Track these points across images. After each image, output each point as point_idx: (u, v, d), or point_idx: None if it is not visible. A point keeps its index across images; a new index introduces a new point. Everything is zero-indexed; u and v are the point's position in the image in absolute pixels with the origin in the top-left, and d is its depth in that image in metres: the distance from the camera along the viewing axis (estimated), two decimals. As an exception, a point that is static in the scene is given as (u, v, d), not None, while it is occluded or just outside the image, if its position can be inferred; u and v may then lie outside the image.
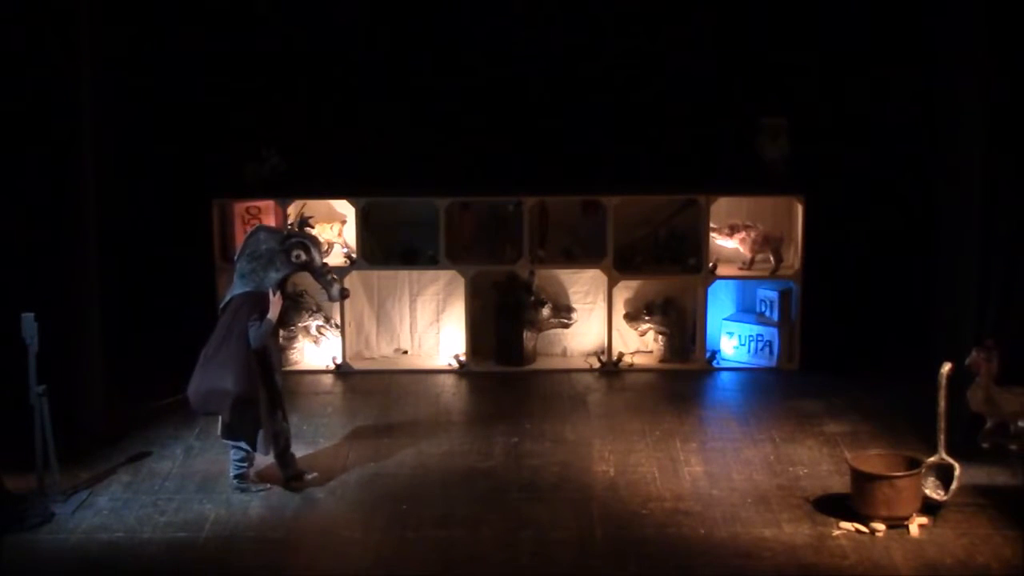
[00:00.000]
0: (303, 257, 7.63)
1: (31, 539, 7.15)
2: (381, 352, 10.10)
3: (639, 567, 6.83)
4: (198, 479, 7.91)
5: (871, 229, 9.84)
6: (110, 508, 7.52)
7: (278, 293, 7.63)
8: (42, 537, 7.18)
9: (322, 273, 7.78)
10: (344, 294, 7.88)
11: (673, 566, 6.85)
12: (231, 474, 7.74)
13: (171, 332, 9.75)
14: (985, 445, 8.10)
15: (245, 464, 7.72)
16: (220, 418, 7.64)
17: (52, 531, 7.24)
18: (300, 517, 7.48)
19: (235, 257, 7.86)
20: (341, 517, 7.46)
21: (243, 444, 7.66)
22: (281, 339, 9.73)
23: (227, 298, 7.74)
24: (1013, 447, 8.08)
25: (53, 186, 8.20)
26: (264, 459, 7.80)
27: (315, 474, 7.80)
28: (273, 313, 7.58)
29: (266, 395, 7.63)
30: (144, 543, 7.11)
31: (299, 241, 7.63)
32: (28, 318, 7.44)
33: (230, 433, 7.65)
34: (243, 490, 7.68)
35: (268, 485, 7.75)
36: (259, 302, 7.55)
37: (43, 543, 7.12)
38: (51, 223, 8.21)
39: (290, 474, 7.78)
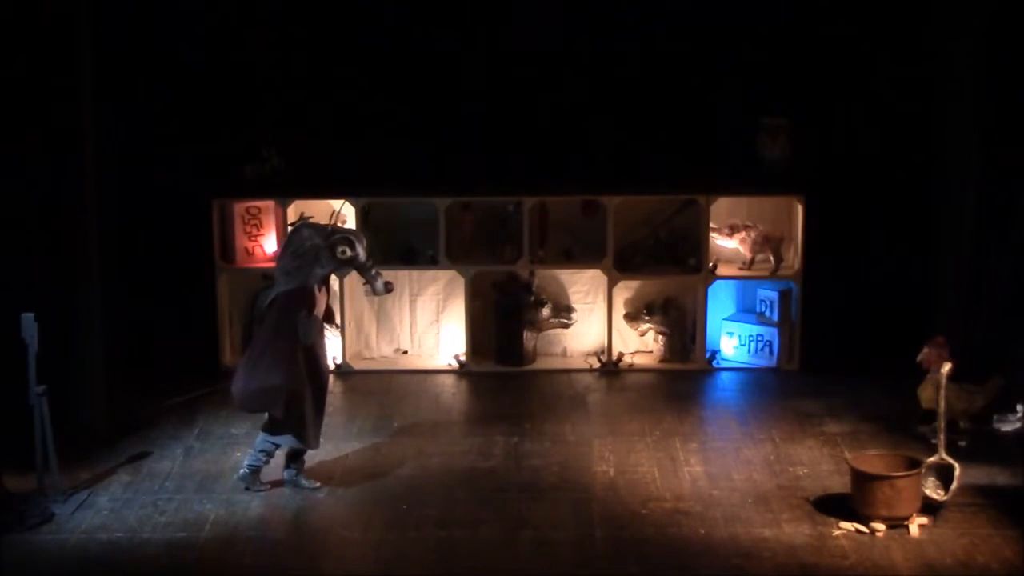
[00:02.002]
0: (348, 253, 7.60)
1: (31, 539, 7.15)
2: (381, 352, 10.11)
3: (639, 567, 6.83)
4: (198, 479, 7.91)
5: (871, 229, 9.83)
6: (110, 508, 7.52)
7: (323, 289, 7.63)
8: (42, 537, 7.18)
9: (367, 268, 7.75)
10: (388, 288, 7.84)
11: (673, 566, 6.85)
12: (245, 462, 7.72)
13: (171, 332, 9.77)
14: (934, 441, 8.17)
15: (264, 460, 7.71)
16: (267, 414, 7.66)
17: (52, 531, 7.25)
18: (300, 517, 7.48)
19: (278, 255, 7.86)
20: (341, 517, 7.47)
21: (277, 440, 7.64)
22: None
23: (270, 296, 7.74)
24: (962, 443, 8.17)
25: (53, 186, 8.20)
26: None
27: (319, 484, 7.80)
28: (319, 309, 7.58)
29: (313, 391, 7.63)
30: (144, 543, 7.11)
31: (344, 237, 7.61)
32: (28, 318, 7.44)
33: (276, 429, 7.64)
34: (247, 486, 7.67)
35: (268, 485, 7.75)
36: (305, 299, 7.54)
37: (43, 543, 7.12)
38: (51, 223, 8.21)
39: (293, 475, 7.79)
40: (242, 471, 7.73)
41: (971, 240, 8.61)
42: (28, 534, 7.19)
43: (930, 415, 8.06)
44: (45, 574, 6.86)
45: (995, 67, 8.27)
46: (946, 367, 7.47)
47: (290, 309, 7.53)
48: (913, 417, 8.37)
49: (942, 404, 7.43)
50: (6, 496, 7.48)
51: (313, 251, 7.56)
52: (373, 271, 7.78)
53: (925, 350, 8.15)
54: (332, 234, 7.61)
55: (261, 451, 7.72)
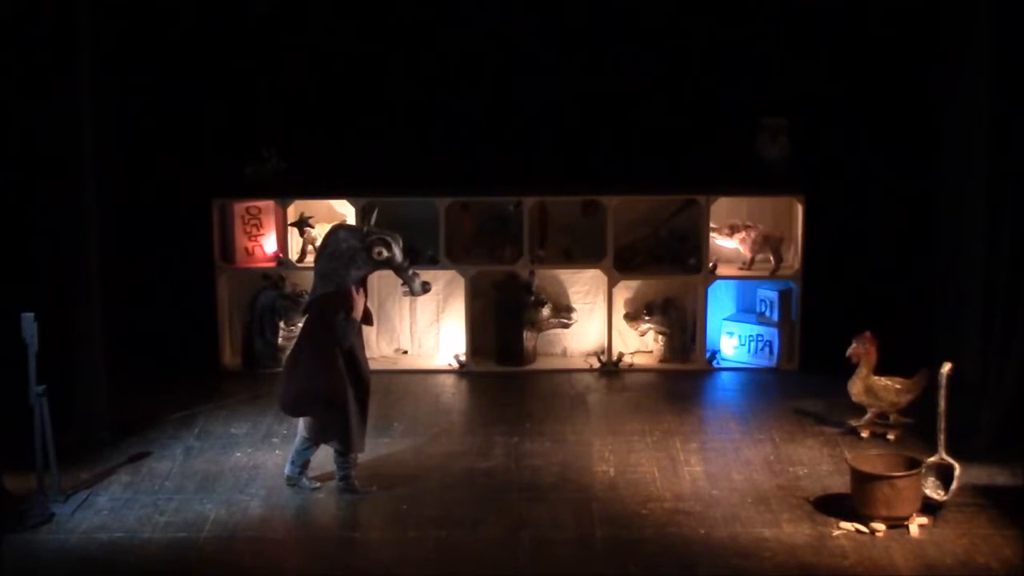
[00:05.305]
0: (385, 254, 7.56)
1: (31, 539, 7.15)
2: (381, 352, 10.10)
3: (639, 567, 6.83)
4: (198, 479, 7.91)
5: (871, 229, 9.83)
6: (110, 508, 7.52)
7: (361, 291, 7.62)
8: (42, 537, 7.18)
9: (404, 269, 7.70)
10: (426, 288, 7.80)
11: (673, 566, 6.85)
12: (338, 476, 7.71)
13: (171, 332, 9.77)
14: (864, 435, 8.40)
15: (348, 465, 7.68)
16: (304, 421, 7.65)
17: (52, 531, 7.24)
18: (300, 517, 7.49)
19: (314, 257, 7.85)
20: (341, 517, 7.47)
21: (336, 445, 7.64)
22: (281, 339, 9.75)
23: (308, 299, 7.75)
24: (890, 437, 8.28)
25: (53, 186, 8.20)
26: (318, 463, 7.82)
27: (319, 484, 7.79)
28: (357, 311, 7.55)
29: (355, 394, 7.61)
30: (144, 543, 7.11)
31: (380, 238, 7.56)
32: (28, 318, 7.44)
33: (322, 435, 7.64)
34: (351, 491, 7.65)
35: (374, 488, 7.73)
36: (342, 301, 7.50)
37: (43, 543, 7.12)
38: (51, 223, 8.21)
39: (296, 472, 7.79)
40: (339, 486, 7.69)
41: (972, 239, 8.60)
42: (28, 534, 7.19)
43: (860, 409, 8.45)
44: (45, 574, 6.86)
45: (999, 66, 8.26)
46: (945, 367, 7.47)
47: (327, 312, 7.50)
48: (916, 418, 8.41)
49: (942, 404, 7.43)
50: (6, 496, 7.48)
51: (349, 253, 7.53)
52: (410, 272, 7.72)
53: (853, 345, 8.37)
54: (368, 235, 7.57)
55: (339, 462, 7.68)
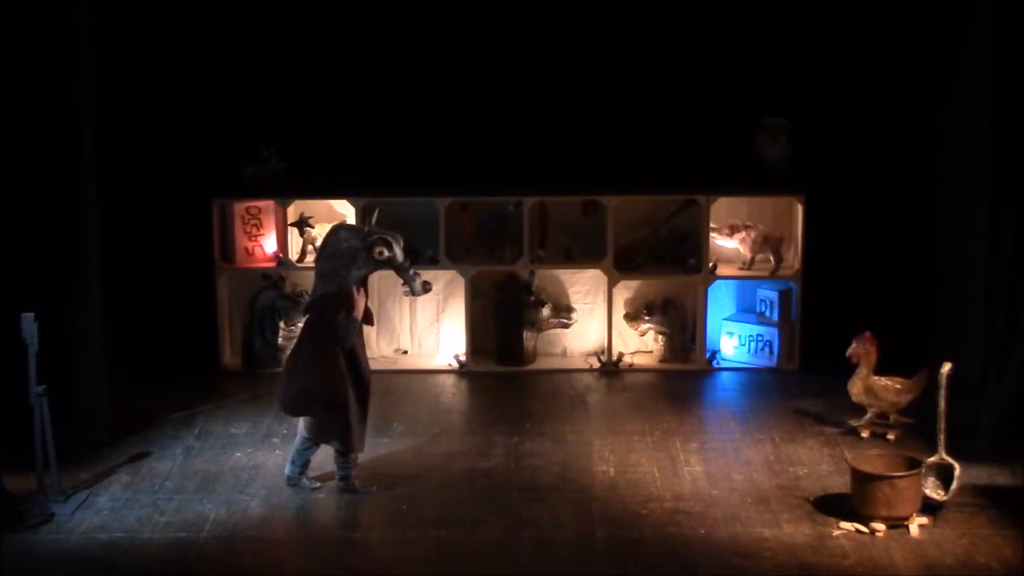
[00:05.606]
0: (386, 254, 7.55)
1: (31, 539, 7.15)
2: (381, 352, 10.10)
3: (639, 567, 6.83)
4: (198, 479, 7.91)
5: (871, 229, 9.83)
6: (110, 508, 7.52)
7: (361, 290, 7.61)
8: (42, 537, 7.18)
9: (404, 268, 7.69)
10: (427, 288, 7.79)
11: (673, 566, 6.86)
12: (338, 476, 7.72)
13: (171, 332, 9.77)
14: (864, 435, 8.41)
15: (348, 465, 7.68)
16: (304, 421, 7.64)
17: (52, 531, 7.25)
18: (300, 517, 7.49)
19: (315, 258, 7.84)
20: (341, 517, 7.47)
21: (336, 445, 7.64)
22: (281, 339, 9.75)
23: (309, 299, 7.75)
24: (890, 437, 8.29)
25: (53, 186, 8.20)
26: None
27: (319, 484, 7.79)
28: (357, 311, 7.55)
29: (356, 394, 7.61)
30: (144, 543, 7.11)
31: (381, 238, 7.55)
32: (28, 318, 7.44)
33: (322, 435, 7.64)
34: (351, 491, 7.66)
35: (374, 488, 7.73)
36: (343, 301, 7.50)
37: (43, 543, 7.12)
38: (51, 223, 8.21)
39: (296, 472, 7.78)
40: (340, 486, 7.69)
41: (972, 239, 8.60)
42: (28, 534, 7.19)
43: (860, 409, 8.48)
44: (45, 574, 6.86)
45: (999, 66, 8.26)
46: (945, 367, 7.47)
47: (328, 312, 7.50)
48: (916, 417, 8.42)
49: (942, 404, 7.43)
50: (6, 496, 7.48)
51: (350, 253, 7.52)
52: (411, 271, 7.72)
53: (854, 345, 8.40)
54: (369, 235, 7.57)
55: (339, 462, 7.69)
